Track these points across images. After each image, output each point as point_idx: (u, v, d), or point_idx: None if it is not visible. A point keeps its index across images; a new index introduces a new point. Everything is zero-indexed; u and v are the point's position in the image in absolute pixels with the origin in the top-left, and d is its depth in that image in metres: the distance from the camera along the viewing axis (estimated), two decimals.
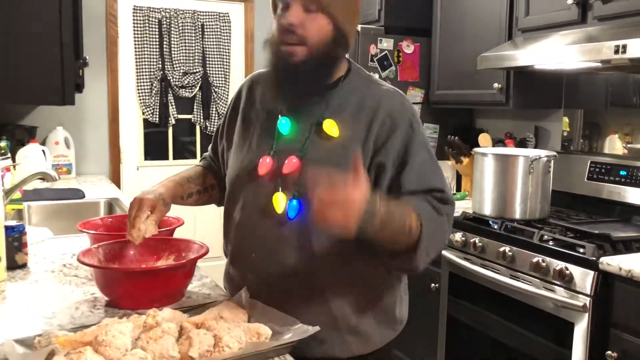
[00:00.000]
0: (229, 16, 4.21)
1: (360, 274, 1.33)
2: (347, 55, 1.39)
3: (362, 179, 1.08)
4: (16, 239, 1.67)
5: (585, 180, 2.63)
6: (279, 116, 1.34)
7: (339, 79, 1.34)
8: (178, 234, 1.77)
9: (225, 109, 1.56)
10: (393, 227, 1.18)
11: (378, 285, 1.37)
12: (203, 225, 3.96)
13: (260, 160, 1.32)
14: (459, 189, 3.30)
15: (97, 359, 0.98)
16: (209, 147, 1.63)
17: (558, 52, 2.26)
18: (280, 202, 1.28)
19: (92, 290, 1.47)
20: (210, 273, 1.68)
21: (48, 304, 1.40)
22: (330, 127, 1.29)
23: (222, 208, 1.49)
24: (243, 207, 1.35)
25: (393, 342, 1.44)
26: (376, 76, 1.46)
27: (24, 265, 1.70)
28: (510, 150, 2.69)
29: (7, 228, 1.64)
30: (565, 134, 2.85)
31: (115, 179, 4.03)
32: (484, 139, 3.14)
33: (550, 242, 2.15)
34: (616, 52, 1.97)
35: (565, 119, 2.85)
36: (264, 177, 1.31)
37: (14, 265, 1.67)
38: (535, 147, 3.00)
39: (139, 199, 1.39)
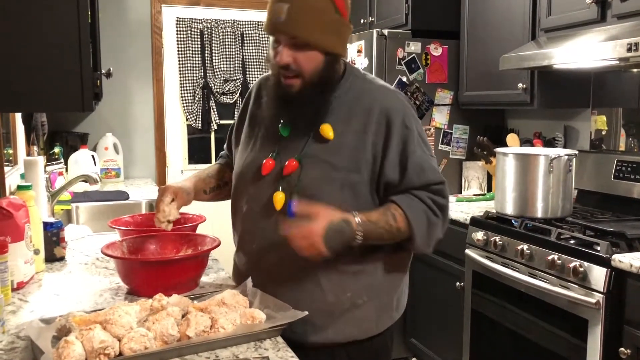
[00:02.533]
0: None
1: (355, 263, 1.42)
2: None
3: (318, 213, 1.28)
4: (55, 234, 1.85)
5: (612, 179, 2.61)
6: (281, 121, 1.45)
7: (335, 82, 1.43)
8: (200, 230, 1.91)
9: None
10: (377, 232, 1.35)
11: (374, 274, 1.45)
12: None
13: (264, 161, 1.44)
14: (489, 189, 3.32)
15: (104, 334, 1.11)
16: (224, 146, 1.75)
17: (573, 51, 2.27)
18: (279, 200, 1.39)
19: (117, 280, 1.62)
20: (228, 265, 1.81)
21: (77, 291, 1.56)
22: (326, 130, 1.39)
23: None
24: (247, 202, 1.48)
25: (392, 328, 1.53)
26: (371, 75, 1.54)
27: (62, 258, 1.88)
28: (531, 149, 2.70)
29: (46, 224, 1.82)
30: (603, 132, 2.83)
31: (161, 182, 4.26)
32: (511, 139, 3.15)
33: (571, 241, 2.16)
34: (629, 49, 1.97)
35: (602, 118, 2.82)
36: (266, 176, 1.43)
37: (52, 257, 1.85)
38: (564, 146, 2.99)
39: (163, 187, 1.54)
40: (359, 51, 3.30)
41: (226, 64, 4.33)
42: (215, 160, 1.79)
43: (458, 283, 2.76)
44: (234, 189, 1.55)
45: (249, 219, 1.47)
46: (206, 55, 4.29)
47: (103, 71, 1.71)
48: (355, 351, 1.45)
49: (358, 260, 1.42)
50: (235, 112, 4.40)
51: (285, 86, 1.37)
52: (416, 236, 1.38)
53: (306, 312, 1.26)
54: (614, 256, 1.92)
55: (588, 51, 2.20)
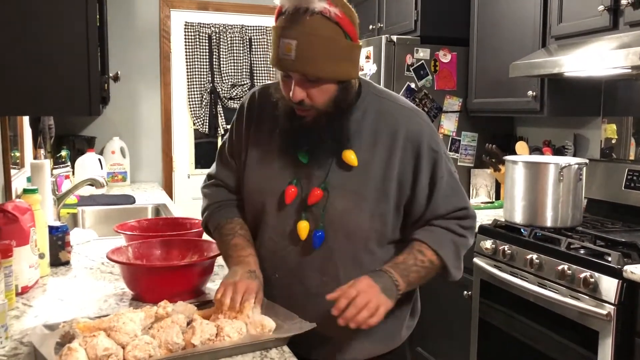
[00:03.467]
0: None
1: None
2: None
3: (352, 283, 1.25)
4: (60, 238, 1.84)
5: (623, 188, 2.58)
6: (298, 147, 1.34)
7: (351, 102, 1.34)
8: (206, 236, 1.89)
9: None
10: (412, 271, 1.33)
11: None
12: None
13: (286, 189, 1.34)
14: (497, 197, 3.29)
15: (108, 342, 1.10)
16: (214, 171, 1.53)
17: (584, 59, 2.24)
18: (303, 230, 1.33)
19: (122, 285, 1.60)
20: None
21: (81, 296, 1.55)
22: (350, 156, 1.31)
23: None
24: (269, 230, 1.39)
25: (407, 345, 1.51)
26: (387, 90, 1.45)
27: (67, 263, 1.86)
28: (540, 158, 2.67)
29: (52, 228, 1.81)
30: (613, 141, 2.80)
31: (168, 186, 4.25)
32: (520, 147, 3.12)
33: (581, 251, 2.13)
34: None
35: (613, 126, 2.79)
36: (288, 205, 1.35)
37: (57, 262, 1.83)
38: (574, 155, 2.96)
39: (244, 284, 1.28)
40: (368, 57, 3.29)
41: (234, 69, 4.33)
42: (203, 187, 1.55)
43: (466, 292, 2.73)
44: (253, 213, 1.43)
45: (271, 248, 1.39)
46: (214, 60, 4.29)
47: (111, 75, 1.70)
48: None
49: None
50: None
51: (300, 117, 1.31)
52: (448, 266, 1.37)
53: (314, 324, 1.24)
54: (626, 267, 1.89)
55: (599, 59, 2.17)
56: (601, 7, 2.30)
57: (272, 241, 1.39)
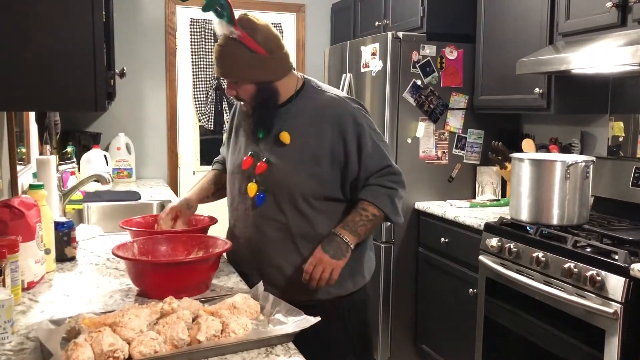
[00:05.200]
0: (281, 26, 4.36)
1: (326, 232, 1.74)
2: (300, 73, 1.84)
3: (318, 260, 1.70)
4: (65, 234, 1.84)
5: (630, 186, 2.57)
6: (256, 128, 1.80)
7: (292, 95, 1.77)
8: (212, 232, 1.89)
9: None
10: (359, 226, 1.73)
11: None
12: None
13: (244, 158, 1.80)
14: (503, 194, 3.28)
15: (113, 337, 1.09)
16: (220, 157, 2.10)
17: (591, 56, 2.23)
18: (251, 190, 1.77)
19: (128, 281, 1.60)
20: None
21: (87, 292, 1.55)
22: (284, 137, 1.74)
23: None
24: (234, 193, 1.84)
25: (365, 287, 1.88)
26: (325, 85, 1.86)
27: (72, 258, 1.87)
28: (547, 155, 2.65)
29: (57, 224, 1.82)
30: (620, 139, 2.78)
31: (173, 182, 4.26)
32: (527, 144, 3.11)
33: (587, 249, 2.12)
34: None
35: (620, 124, 2.77)
36: (245, 170, 1.79)
37: (63, 257, 1.84)
38: (581, 152, 2.94)
39: (169, 207, 1.90)
40: (374, 54, 3.28)
41: None
42: (214, 163, 2.10)
43: (471, 290, 2.73)
44: (227, 185, 1.90)
45: (236, 206, 1.83)
46: None
47: (117, 71, 1.70)
48: (340, 303, 1.79)
49: (328, 229, 1.74)
50: None
51: (241, 105, 1.84)
52: (387, 213, 1.76)
53: (319, 318, 1.24)
54: (633, 265, 1.88)
55: (607, 56, 2.16)
56: (609, 4, 2.29)
57: (237, 201, 1.83)
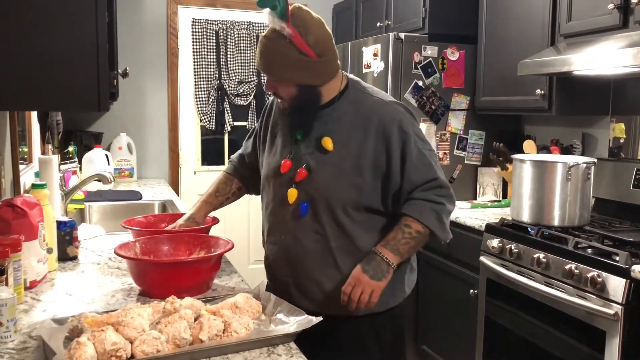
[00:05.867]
0: None
1: (367, 247, 1.61)
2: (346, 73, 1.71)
3: (357, 281, 1.55)
4: (67, 233, 1.85)
5: (631, 188, 2.57)
6: (295, 130, 1.68)
7: (335, 97, 1.64)
8: (213, 232, 1.90)
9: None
10: (402, 244, 1.58)
11: None
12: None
13: (282, 162, 1.66)
14: (505, 195, 3.28)
15: (116, 336, 1.10)
16: (238, 153, 1.97)
17: (593, 58, 2.23)
18: (291, 196, 1.63)
19: (130, 281, 1.61)
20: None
21: (89, 291, 1.56)
22: (326, 143, 1.61)
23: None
24: (270, 197, 1.72)
25: (405, 302, 1.76)
26: (371, 87, 1.72)
27: (74, 258, 1.87)
28: (548, 156, 2.66)
29: (59, 223, 1.82)
30: (621, 140, 2.78)
31: (174, 182, 4.26)
32: (528, 145, 3.11)
33: (588, 250, 2.12)
34: None
35: (621, 125, 2.78)
36: (284, 174, 1.66)
37: (65, 257, 1.84)
38: (582, 154, 2.94)
39: (177, 224, 1.82)
40: (375, 55, 3.29)
41: (241, 66, 4.33)
42: (228, 162, 1.99)
43: (472, 290, 2.73)
44: (262, 188, 1.78)
45: (274, 212, 1.70)
46: (221, 56, 4.29)
47: (119, 71, 1.70)
48: (377, 320, 1.67)
49: (369, 244, 1.61)
50: (249, 114, 4.40)
51: (279, 104, 1.69)
52: (433, 230, 1.60)
53: (320, 318, 1.24)
54: (634, 267, 1.88)
55: (609, 58, 2.16)
56: (611, 6, 2.29)
57: (274, 207, 1.69)
